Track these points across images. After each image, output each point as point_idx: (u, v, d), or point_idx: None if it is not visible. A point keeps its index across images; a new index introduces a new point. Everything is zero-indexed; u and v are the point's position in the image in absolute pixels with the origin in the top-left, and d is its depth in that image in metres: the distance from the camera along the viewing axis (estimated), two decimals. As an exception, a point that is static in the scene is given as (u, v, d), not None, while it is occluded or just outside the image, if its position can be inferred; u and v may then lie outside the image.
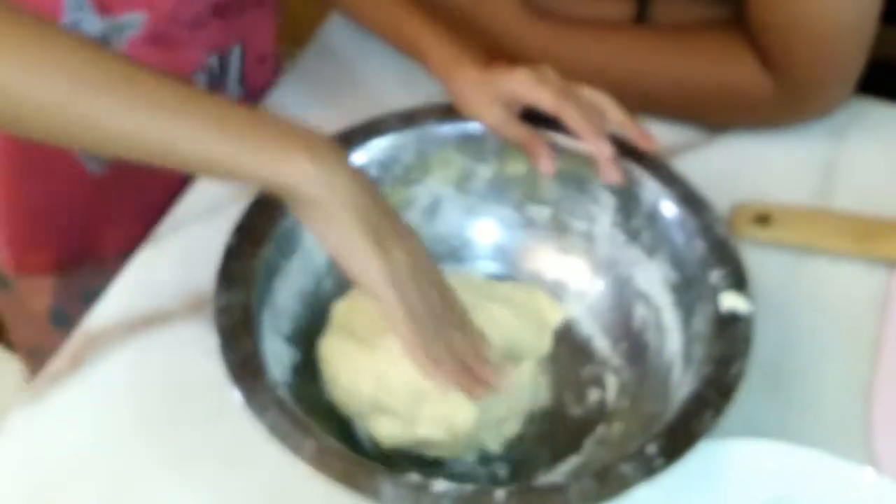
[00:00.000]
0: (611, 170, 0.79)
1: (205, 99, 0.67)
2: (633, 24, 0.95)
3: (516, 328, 0.79)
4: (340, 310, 0.78)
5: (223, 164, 0.65)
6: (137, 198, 0.94)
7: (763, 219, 0.88)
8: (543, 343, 0.81)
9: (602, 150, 0.79)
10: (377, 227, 0.67)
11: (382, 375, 0.73)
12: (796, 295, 0.85)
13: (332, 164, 0.66)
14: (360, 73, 1.00)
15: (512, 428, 0.76)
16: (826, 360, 0.81)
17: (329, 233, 0.67)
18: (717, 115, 0.94)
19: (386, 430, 0.74)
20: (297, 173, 0.65)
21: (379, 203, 0.69)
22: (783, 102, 0.92)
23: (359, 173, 0.68)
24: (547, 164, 0.80)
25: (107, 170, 0.85)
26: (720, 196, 0.80)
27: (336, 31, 1.05)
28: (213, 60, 0.93)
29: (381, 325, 0.72)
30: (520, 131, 0.81)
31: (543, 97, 0.80)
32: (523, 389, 0.77)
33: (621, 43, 0.94)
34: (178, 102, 0.65)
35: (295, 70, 1.02)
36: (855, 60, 0.90)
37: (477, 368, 0.71)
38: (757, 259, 0.78)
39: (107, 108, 0.64)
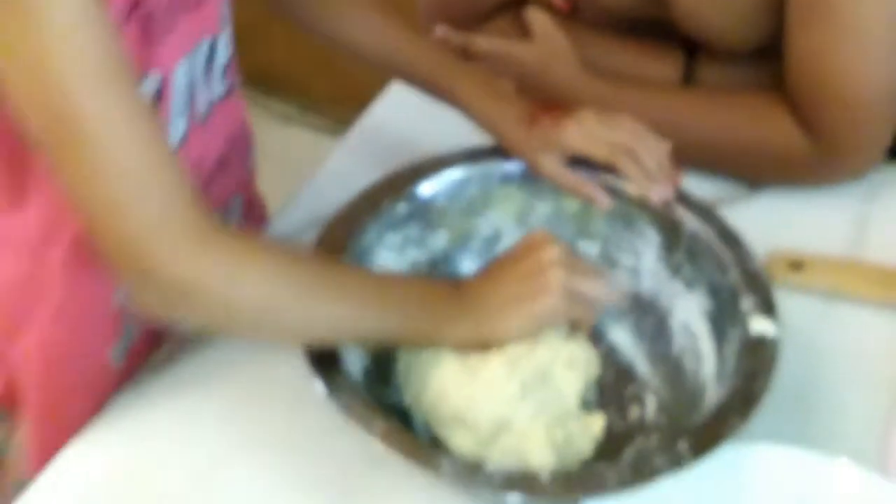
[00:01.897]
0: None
1: (394, 287, 0.81)
2: (681, 85, 1.05)
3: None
4: None
5: (400, 341, 0.81)
6: None
7: (796, 266, 0.95)
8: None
9: (656, 199, 0.89)
10: (525, 296, 0.81)
11: (475, 398, 0.80)
12: (824, 335, 0.91)
13: (476, 311, 0.80)
14: (417, 142, 1.05)
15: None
16: (847, 392, 0.87)
17: (512, 338, 0.81)
18: (755, 171, 1.03)
19: (460, 442, 0.80)
20: (460, 337, 0.80)
21: (515, 278, 0.81)
22: (818, 163, 1.00)
23: (487, 280, 0.82)
24: (604, 201, 0.90)
25: (127, 362, 0.89)
26: (758, 245, 0.87)
27: (392, 101, 1.13)
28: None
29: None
30: (573, 178, 0.90)
31: (598, 152, 0.89)
32: (593, 439, 0.83)
33: (669, 102, 1.03)
34: (383, 297, 0.79)
35: (353, 137, 1.11)
36: (887, 124, 0.98)
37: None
38: (789, 302, 0.86)
39: (325, 310, 0.76)
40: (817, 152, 0.98)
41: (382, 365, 0.85)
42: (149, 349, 0.89)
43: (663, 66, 1.05)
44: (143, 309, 0.73)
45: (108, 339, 0.86)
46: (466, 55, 1.08)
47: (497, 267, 0.83)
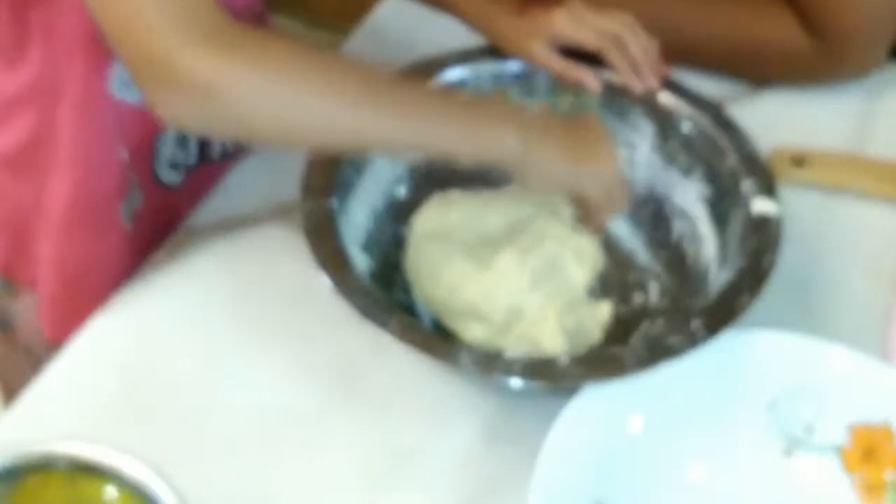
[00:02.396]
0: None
1: (431, 98, 0.80)
2: None
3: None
4: (428, 219, 0.86)
5: (448, 152, 0.77)
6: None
7: (799, 161, 0.95)
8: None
9: (639, 88, 0.89)
10: (572, 153, 0.79)
11: (489, 290, 0.81)
12: (826, 229, 0.93)
13: (532, 132, 0.77)
14: (414, 50, 1.02)
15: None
16: (849, 284, 0.89)
17: (540, 182, 0.79)
18: (758, 70, 1.03)
19: (474, 334, 0.81)
20: (507, 154, 0.76)
21: (565, 134, 0.80)
22: (819, 60, 0.99)
23: (546, 124, 0.79)
24: (594, 83, 0.90)
25: (137, 226, 0.89)
26: (762, 142, 0.88)
27: (390, 11, 1.12)
28: None
29: (489, 242, 0.83)
30: (564, 63, 0.90)
31: (586, 38, 0.89)
32: (601, 325, 0.84)
33: (669, 3, 1.02)
34: (420, 104, 0.76)
35: (349, 47, 1.09)
36: (887, 20, 0.98)
37: None
38: (792, 197, 0.87)
39: (369, 117, 0.74)
40: (820, 50, 0.99)
41: (385, 268, 0.86)
42: (153, 216, 0.89)
43: None
44: (171, 120, 0.72)
45: (118, 193, 0.87)
46: None
47: (556, 120, 0.83)
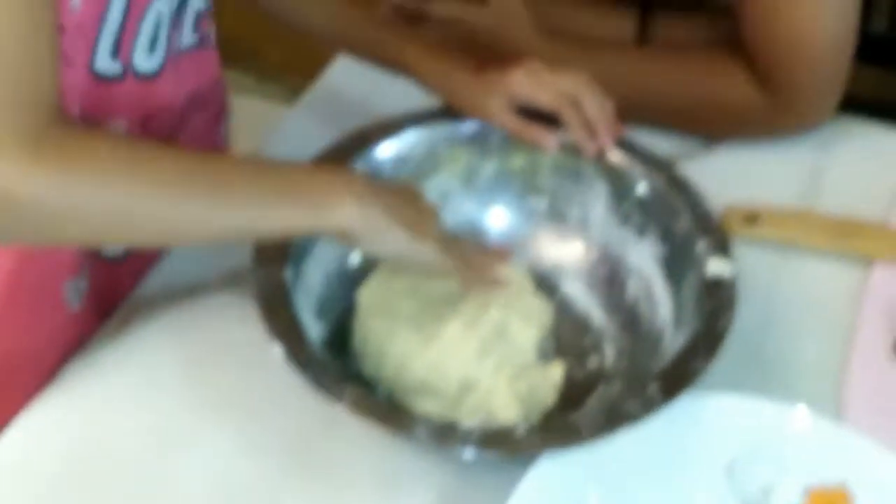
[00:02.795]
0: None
1: (261, 172, 0.76)
2: (634, 44, 1.05)
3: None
4: (373, 292, 0.85)
5: (285, 228, 0.76)
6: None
7: (752, 218, 0.96)
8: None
9: (592, 150, 0.90)
10: (409, 222, 0.78)
11: (437, 363, 0.80)
12: (780, 286, 0.92)
13: (368, 198, 0.76)
14: (369, 107, 1.05)
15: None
16: (804, 342, 0.88)
17: (382, 249, 0.79)
18: (711, 126, 1.03)
19: (427, 408, 0.80)
20: (344, 222, 0.75)
21: (403, 203, 0.79)
22: (772, 115, 1.00)
23: (386, 192, 0.78)
24: (550, 143, 0.90)
25: (84, 305, 0.87)
26: (715, 200, 0.88)
27: (343, 69, 1.12)
28: None
29: (434, 313, 0.82)
30: (520, 123, 0.90)
31: (543, 98, 0.89)
32: (556, 388, 0.84)
33: (623, 61, 1.03)
34: (242, 184, 0.74)
35: (303, 104, 1.10)
36: (837, 74, 0.99)
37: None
38: (746, 255, 0.87)
39: (195, 210, 0.72)
40: (772, 105, 0.99)
41: (339, 335, 0.85)
42: (97, 293, 0.87)
43: (618, 25, 1.06)
44: None
45: (64, 271, 0.84)
46: (421, 19, 1.08)
47: (385, 186, 0.82)
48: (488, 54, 0.97)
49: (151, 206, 0.70)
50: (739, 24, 0.99)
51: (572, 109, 0.89)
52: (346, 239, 0.77)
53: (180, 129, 0.91)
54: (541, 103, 0.90)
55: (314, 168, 0.79)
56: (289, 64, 1.99)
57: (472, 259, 0.83)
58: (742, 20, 0.99)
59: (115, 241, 0.76)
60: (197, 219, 0.72)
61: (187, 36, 0.88)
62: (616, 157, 0.90)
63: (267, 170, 0.78)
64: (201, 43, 0.90)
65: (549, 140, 0.90)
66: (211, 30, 0.91)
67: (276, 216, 0.75)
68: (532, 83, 0.89)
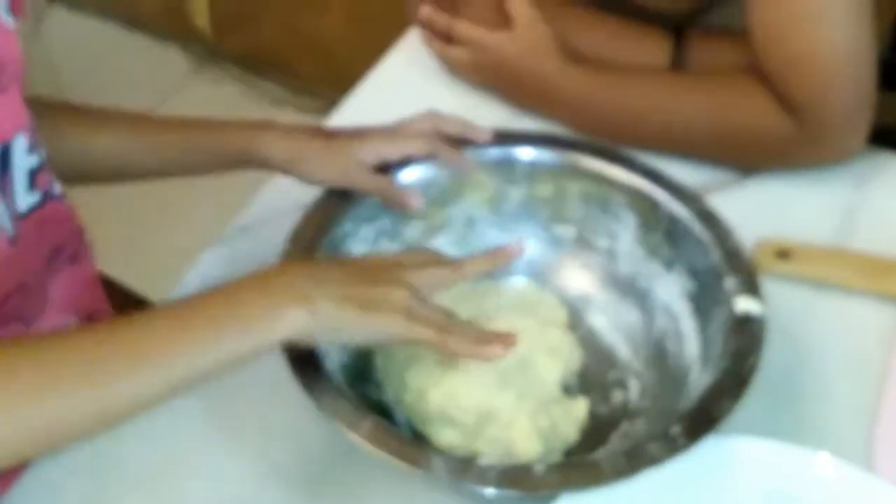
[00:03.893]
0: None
1: (189, 319, 0.69)
2: (664, 71, 1.03)
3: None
4: None
5: (232, 359, 0.69)
6: None
7: (784, 254, 0.94)
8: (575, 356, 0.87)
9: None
10: (362, 302, 0.72)
11: (456, 393, 0.79)
12: (811, 325, 0.90)
13: (313, 293, 0.71)
14: None
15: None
16: (834, 383, 0.86)
17: (341, 338, 0.74)
18: (740, 156, 1.01)
19: (446, 439, 0.79)
20: (295, 330, 0.70)
21: (355, 281, 0.74)
22: (799, 144, 0.98)
23: (332, 278, 0.73)
24: (414, 201, 0.87)
25: None
26: (746, 233, 0.86)
27: (375, 85, 1.12)
28: None
29: None
30: (381, 183, 0.87)
31: (405, 149, 0.88)
32: (577, 424, 0.82)
33: (651, 91, 1.01)
34: (161, 343, 0.68)
35: (333, 121, 1.08)
36: (859, 95, 0.96)
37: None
38: (776, 291, 0.85)
39: (122, 390, 0.67)
40: (799, 132, 0.97)
41: (361, 361, 0.83)
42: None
43: (651, 51, 1.04)
44: None
45: None
46: (449, 39, 1.07)
47: (337, 262, 0.80)
48: (516, 84, 0.96)
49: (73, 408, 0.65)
50: (752, 47, 0.97)
51: (437, 140, 0.89)
52: (302, 340, 0.72)
53: (48, 290, 0.88)
54: (408, 153, 0.88)
55: (240, 285, 0.72)
56: (323, 77, 2.00)
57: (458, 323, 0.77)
58: (753, 43, 0.97)
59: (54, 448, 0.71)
60: (127, 395, 0.67)
61: (23, 198, 0.81)
62: (645, 187, 0.88)
63: (189, 313, 0.70)
64: (46, 199, 0.84)
65: (413, 201, 0.87)
66: (52, 181, 0.84)
67: (216, 356, 0.68)
68: (382, 139, 0.88)
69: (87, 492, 0.78)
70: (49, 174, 0.84)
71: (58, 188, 0.85)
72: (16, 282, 0.82)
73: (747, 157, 1.02)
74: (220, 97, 2.28)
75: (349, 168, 0.87)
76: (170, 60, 2.39)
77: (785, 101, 0.96)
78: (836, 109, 0.96)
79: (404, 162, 0.89)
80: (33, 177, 0.82)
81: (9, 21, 0.79)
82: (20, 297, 0.83)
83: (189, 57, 2.38)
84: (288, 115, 2.22)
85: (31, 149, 0.81)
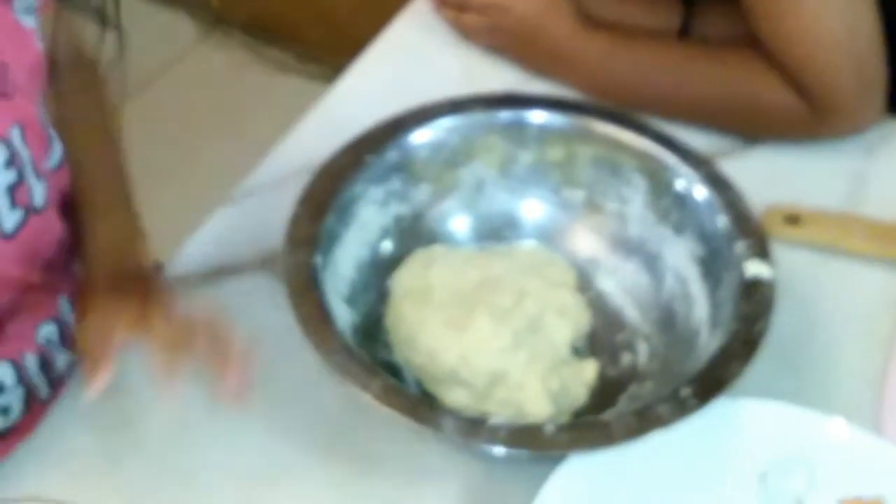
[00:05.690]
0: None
1: None
2: (676, 39, 1.03)
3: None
4: (406, 279, 0.85)
5: None
6: None
7: (793, 219, 0.93)
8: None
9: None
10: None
11: (468, 354, 0.79)
12: (819, 290, 0.90)
13: None
14: (407, 90, 0.99)
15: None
16: (843, 347, 0.87)
17: None
18: (750, 128, 1.01)
19: (456, 398, 0.79)
20: None
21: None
22: (809, 118, 0.97)
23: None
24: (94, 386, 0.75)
25: None
26: (755, 199, 0.85)
27: (382, 52, 1.11)
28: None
29: (468, 302, 0.81)
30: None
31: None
32: (587, 385, 0.82)
33: (665, 56, 1.01)
34: None
35: (342, 84, 1.08)
36: (867, 69, 0.95)
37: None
38: (785, 257, 0.85)
39: None
40: (808, 108, 0.96)
41: (370, 321, 0.84)
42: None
43: (664, 16, 1.04)
44: None
45: None
46: (462, 8, 1.07)
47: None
48: (533, 48, 0.95)
49: None
50: (754, 30, 0.96)
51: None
52: None
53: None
54: None
55: None
56: (329, 44, 1.99)
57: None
58: (754, 26, 0.96)
59: None
60: None
61: (8, 217, 0.79)
62: (656, 151, 0.88)
63: None
64: (30, 213, 0.81)
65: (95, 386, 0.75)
66: (31, 194, 0.81)
67: None
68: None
69: (100, 452, 0.79)
70: (28, 189, 0.80)
71: (39, 200, 0.82)
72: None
73: (756, 129, 1.02)
74: (226, 64, 2.28)
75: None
76: (176, 27, 2.39)
77: (796, 80, 0.95)
78: (842, 86, 0.95)
79: (417, 123, 0.89)
80: (12, 193, 0.79)
81: (27, 21, 0.77)
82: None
83: (195, 24, 2.37)
84: (294, 82, 2.22)
85: (9, 163, 0.77)
